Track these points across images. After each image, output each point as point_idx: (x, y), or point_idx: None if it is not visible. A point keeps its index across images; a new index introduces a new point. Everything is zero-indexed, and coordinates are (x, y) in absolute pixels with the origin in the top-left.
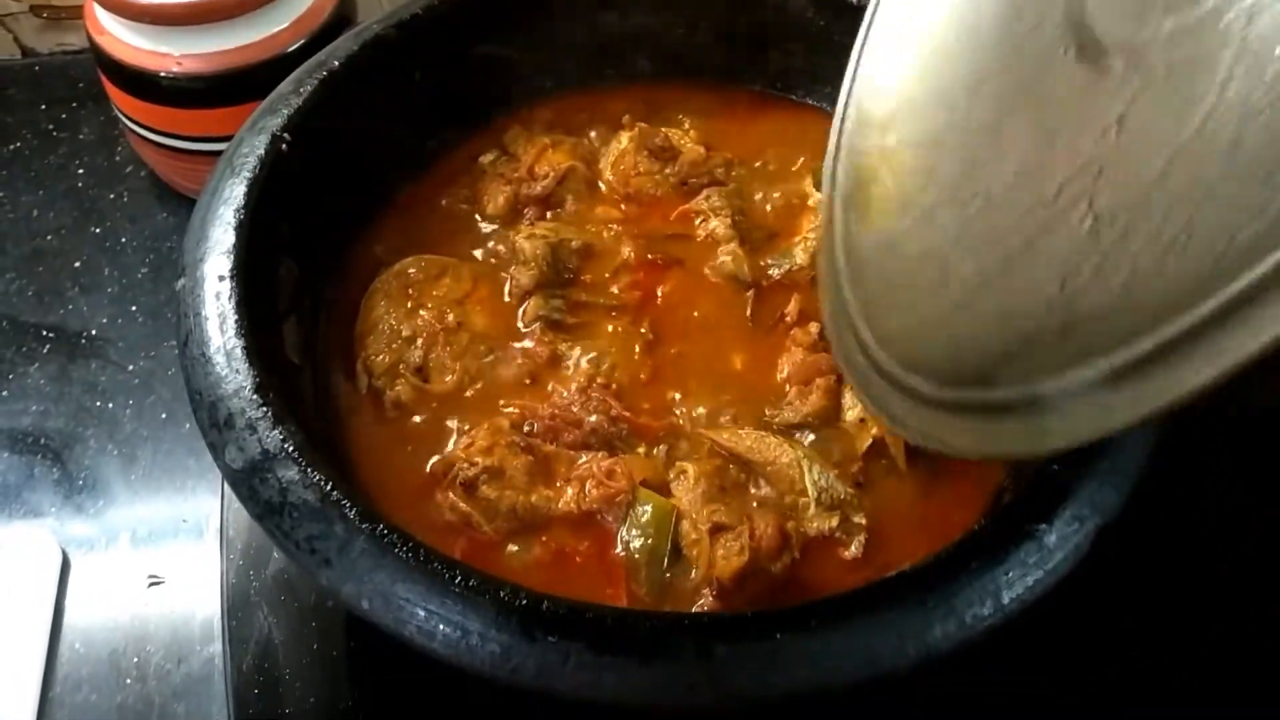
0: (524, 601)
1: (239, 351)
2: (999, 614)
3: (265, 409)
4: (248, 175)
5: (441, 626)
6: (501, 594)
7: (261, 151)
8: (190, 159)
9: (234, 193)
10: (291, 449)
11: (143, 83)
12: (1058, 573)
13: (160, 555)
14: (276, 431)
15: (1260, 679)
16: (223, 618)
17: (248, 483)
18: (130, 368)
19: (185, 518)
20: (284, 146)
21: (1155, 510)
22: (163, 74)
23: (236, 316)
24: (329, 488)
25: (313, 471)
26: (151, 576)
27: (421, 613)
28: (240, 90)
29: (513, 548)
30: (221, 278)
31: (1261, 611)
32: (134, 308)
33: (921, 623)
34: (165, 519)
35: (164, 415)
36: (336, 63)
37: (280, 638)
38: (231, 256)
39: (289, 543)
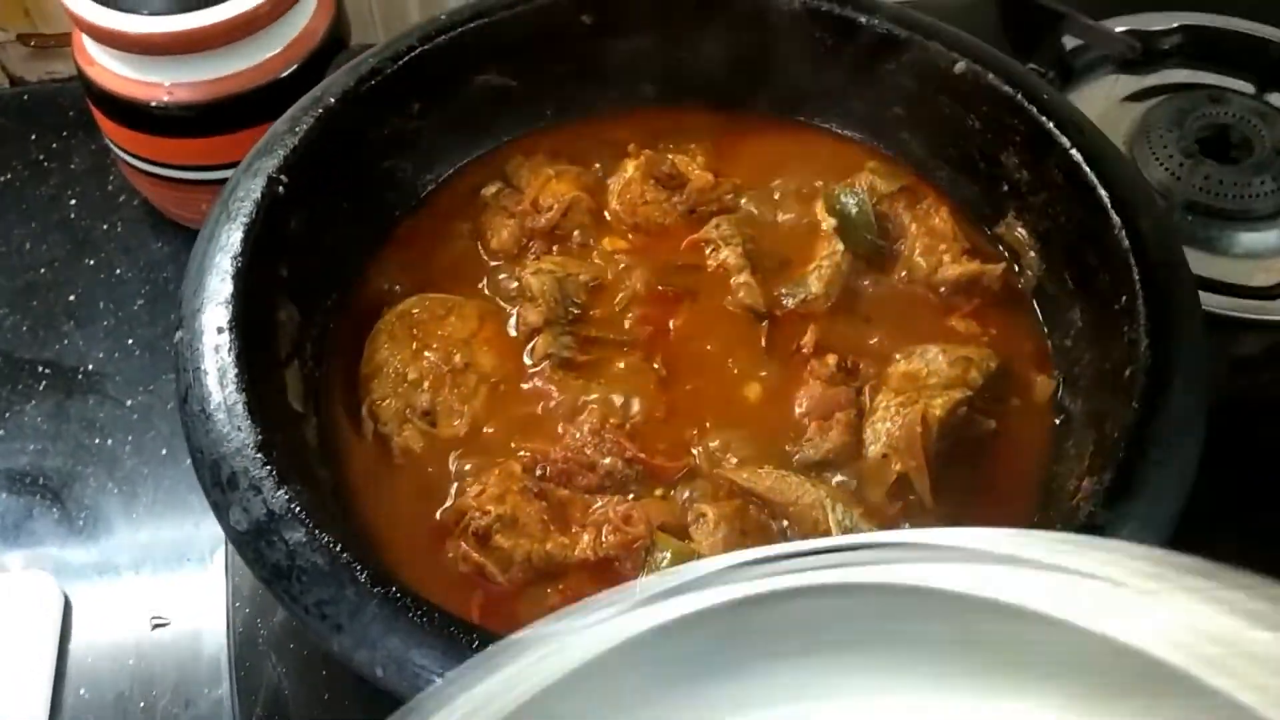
0: None
1: (240, 407)
2: None
3: (269, 468)
4: (244, 221)
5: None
6: None
7: (258, 195)
8: (184, 188)
9: (230, 239)
10: (298, 509)
11: (133, 113)
12: None
13: (164, 595)
14: (282, 492)
15: None
16: (229, 667)
17: (254, 545)
18: (129, 403)
19: (188, 556)
20: (280, 189)
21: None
22: (154, 104)
23: (236, 370)
24: (339, 549)
25: (321, 533)
26: (155, 618)
27: (439, 679)
28: (234, 118)
29: (532, 597)
30: (220, 329)
31: None
32: (130, 340)
33: None
34: (168, 557)
35: (164, 451)
36: (332, 99)
37: (290, 688)
38: (230, 307)
39: (298, 607)
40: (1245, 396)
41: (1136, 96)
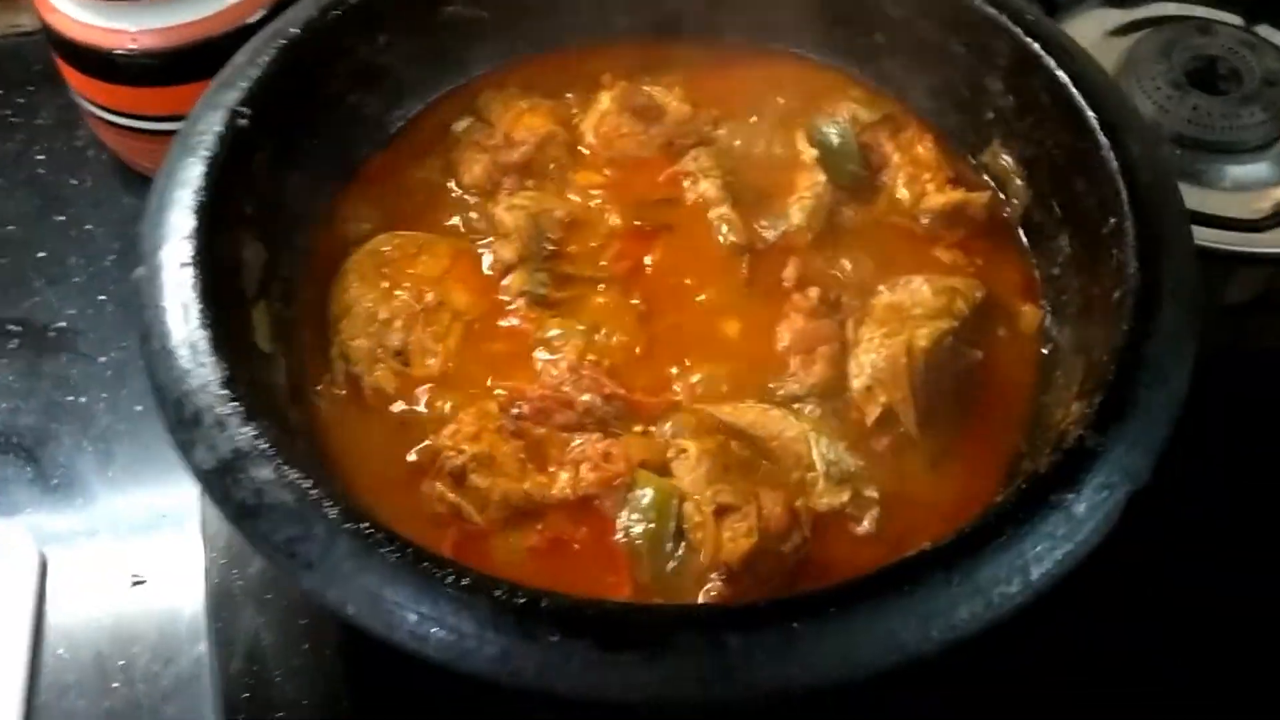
0: (521, 600)
1: (204, 343)
2: (1028, 590)
3: (235, 404)
4: (205, 154)
5: (435, 630)
6: (497, 593)
7: (219, 128)
8: (154, 140)
9: (191, 174)
10: (265, 446)
11: (98, 62)
12: (1088, 544)
13: (142, 553)
14: (248, 428)
15: None
16: (206, 619)
17: (220, 484)
18: (102, 359)
19: (165, 513)
20: (243, 122)
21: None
22: (118, 52)
23: (200, 305)
24: (308, 486)
25: (289, 470)
26: (134, 575)
27: (413, 616)
28: (202, 65)
29: (507, 536)
30: (183, 264)
31: None
32: (103, 297)
33: (946, 603)
34: (145, 515)
35: (139, 408)
36: (295, 30)
37: (269, 638)
38: (193, 241)
39: (267, 546)
40: (1237, 333)
41: (1123, 30)
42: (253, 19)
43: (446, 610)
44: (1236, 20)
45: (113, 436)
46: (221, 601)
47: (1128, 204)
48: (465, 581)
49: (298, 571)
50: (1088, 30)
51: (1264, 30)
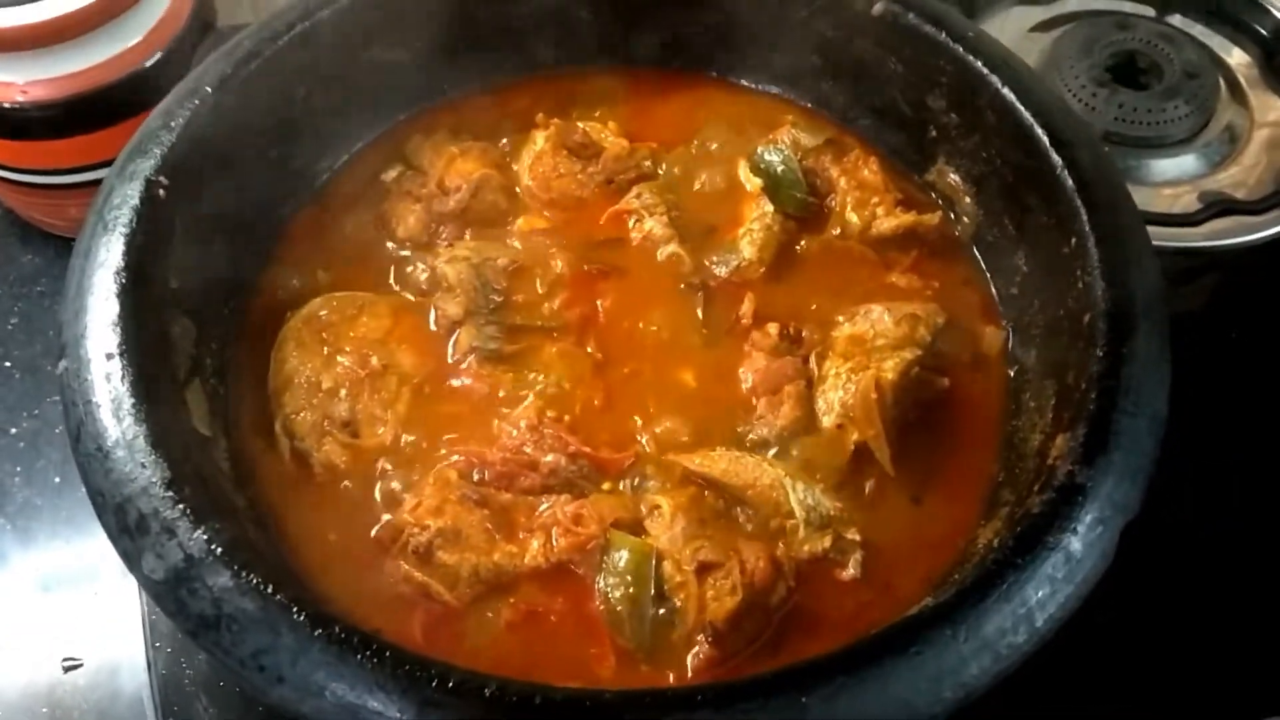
0: (514, 698)
1: (141, 441)
2: (1035, 638)
3: (182, 506)
4: (123, 230)
5: None
6: (487, 692)
7: (136, 201)
8: (50, 194)
9: (110, 253)
10: (220, 550)
11: None
12: (1089, 583)
13: (74, 633)
14: (200, 531)
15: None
16: (155, 712)
17: (174, 595)
18: (13, 430)
19: (96, 591)
20: (161, 192)
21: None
22: (7, 105)
23: (133, 399)
24: (270, 591)
25: (249, 574)
26: (67, 659)
27: None
28: (98, 115)
29: (482, 614)
30: (109, 355)
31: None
32: (8, 364)
33: (956, 662)
34: (74, 594)
35: (57, 479)
36: (209, 88)
37: None
38: (118, 329)
39: (232, 660)
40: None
41: (1043, 26)
42: (148, 63)
43: (436, 716)
44: (1149, 11)
45: (31, 512)
46: (171, 694)
47: (1088, 223)
48: (452, 683)
49: (269, 686)
50: (1008, 28)
51: (1177, 20)
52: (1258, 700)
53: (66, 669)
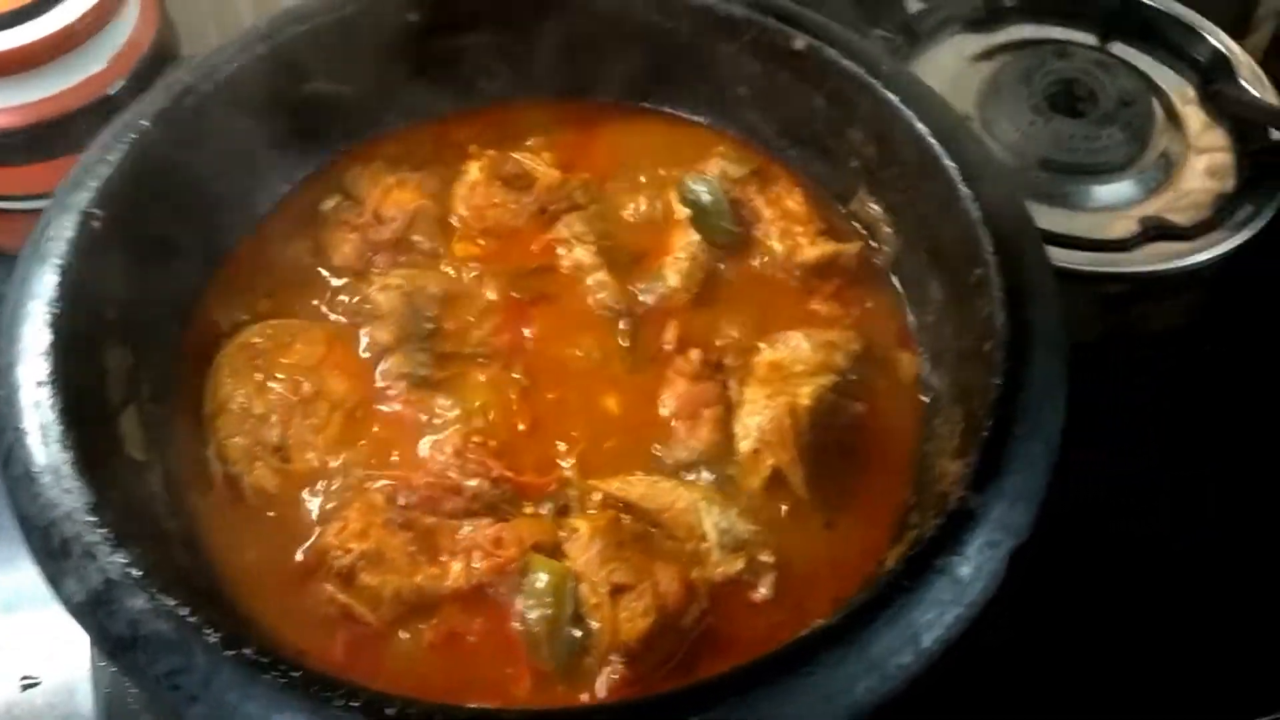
0: (415, 716)
1: (68, 467)
2: (921, 659)
3: (104, 530)
4: (57, 262)
5: None
6: (389, 712)
7: (71, 233)
8: (13, 219)
9: (43, 284)
10: (139, 574)
11: None
12: (976, 605)
13: (32, 652)
14: (119, 556)
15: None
16: None
17: (93, 617)
18: None
19: (56, 610)
20: (96, 225)
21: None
22: None
23: (61, 427)
24: (186, 613)
25: (165, 597)
26: (25, 678)
27: None
28: (60, 142)
29: (403, 635)
30: (40, 383)
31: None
32: None
33: (844, 681)
34: (34, 614)
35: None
36: (145, 122)
37: None
38: (49, 358)
39: (147, 680)
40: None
41: (984, 55)
42: (112, 90)
43: None
44: (1092, 40)
45: None
46: (115, 711)
47: (991, 252)
48: (355, 702)
49: (182, 705)
50: (949, 59)
51: (1118, 48)
52: (1238, 704)
53: (24, 688)
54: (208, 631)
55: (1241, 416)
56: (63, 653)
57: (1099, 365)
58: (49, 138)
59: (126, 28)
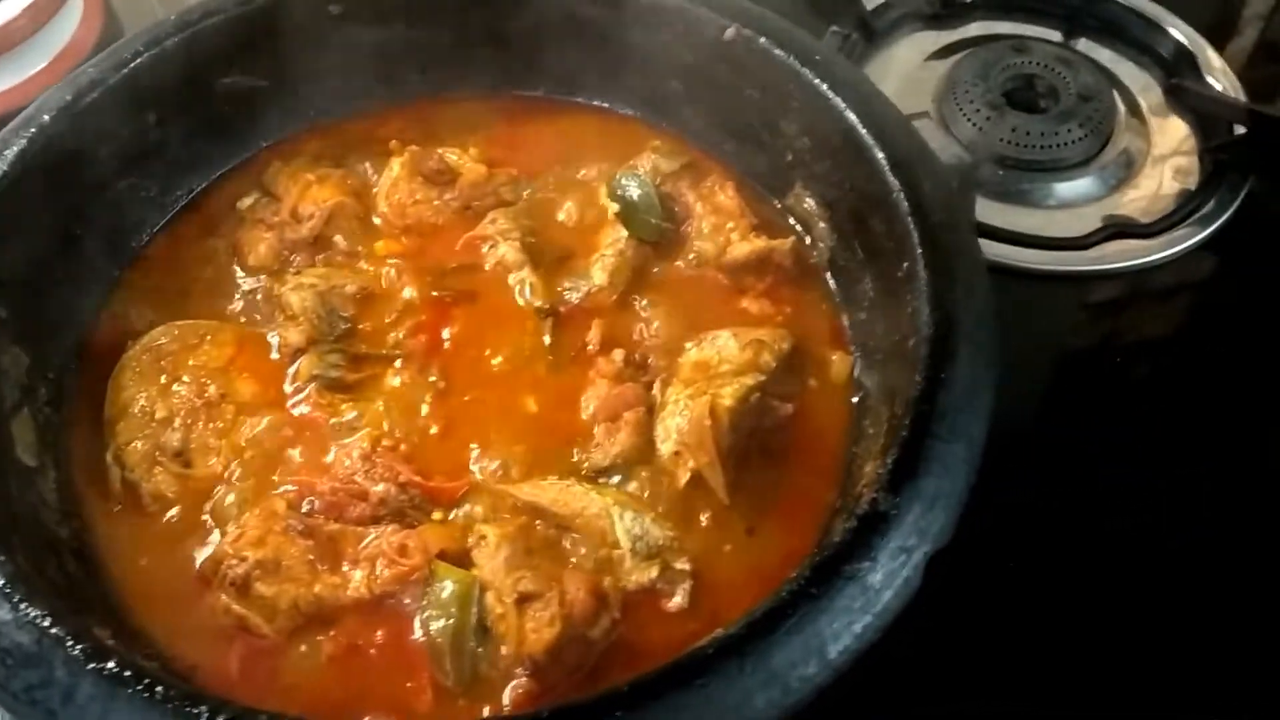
0: None
1: None
2: (827, 671)
3: None
4: None
5: None
6: None
7: None
8: None
9: None
10: (1, 583)
11: None
12: (888, 613)
13: None
14: None
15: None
16: None
17: None
18: None
19: None
20: None
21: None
22: None
23: None
24: (47, 624)
25: (27, 607)
26: None
27: None
28: None
29: (300, 648)
30: None
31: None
32: None
33: (740, 695)
34: None
35: None
36: (46, 116)
37: None
38: None
39: (5, 695)
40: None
41: (942, 53)
42: None
43: None
44: (1055, 36)
45: None
46: None
47: (919, 245)
48: (222, 717)
49: None
50: (907, 55)
51: (1082, 45)
52: (1234, 702)
53: None
54: (70, 643)
55: (1229, 420)
56: None
57: (1091, 372)
58: None
59: (69, 28)
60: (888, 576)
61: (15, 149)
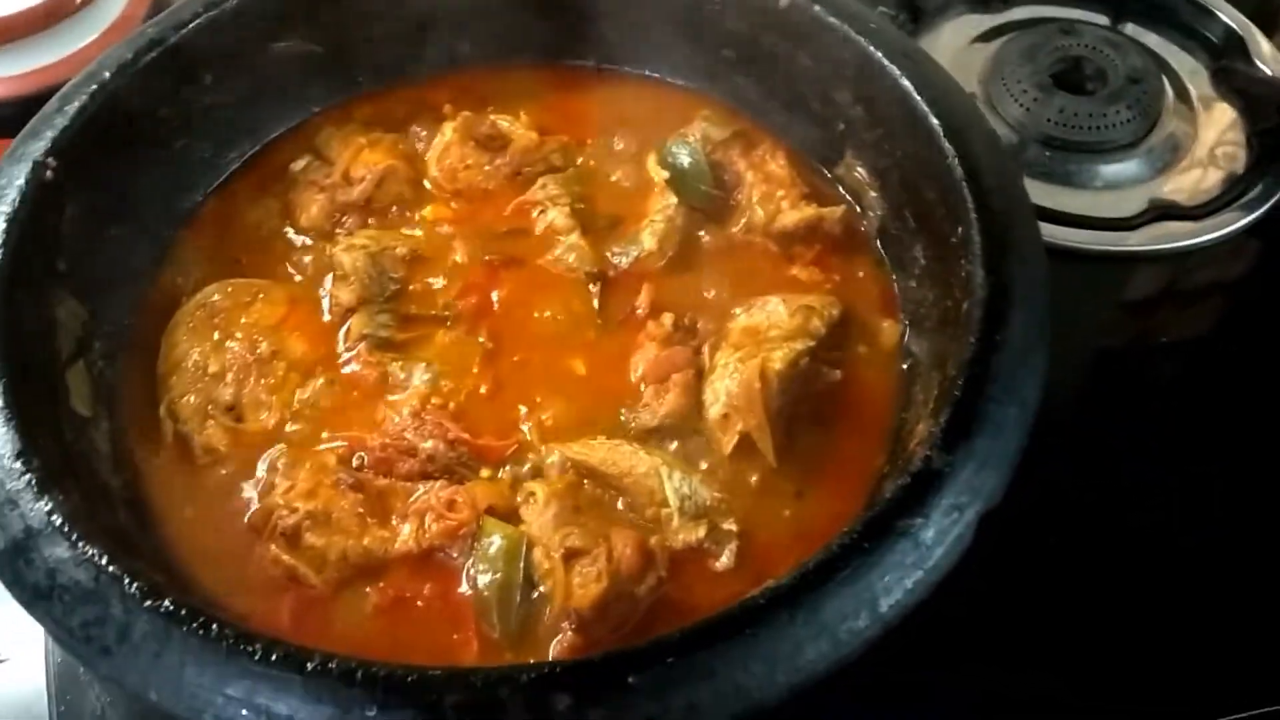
0: (336, 672)
1: None
2: (877, 624)
3: (28, 477)
4: (5, 210)
5: (243, 712)
6: (310, 665)
7: (21, 182)
8: None
9: None
10: (59, 521)
11: None
12: (939, 570)
13: (1, 631)
14: (42, 503)
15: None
16: (49, 701)
17: (11, 566)
18: None
19: None
20: (49, 174)
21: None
22: None
23: None
24: (104, 562)
25: (85, 546)
26: None
27: (218, 699)
28: None
29: (348, 598)
30: None
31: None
32: None
33: (791, 645)
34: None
35: None
36: (107, 73)
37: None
38: None
39: (62, 631)
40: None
41: (990, 35)
42: None
43: (254, 690)
44: (1102, 20)
45: None
46: (65, 682)
47: (973, 210)
48: (274, 656)
49: (95, 657)
50: (954, 37)
51: (1130, 29)
52: (1244, 698)
53: None
54: (126, 581)
55: (1255, 422)
56: (34, 632)
57: (1123, 370)
58: (35, 111)
59: (120, 1)
60: (940, 533)
61: (76, 104)
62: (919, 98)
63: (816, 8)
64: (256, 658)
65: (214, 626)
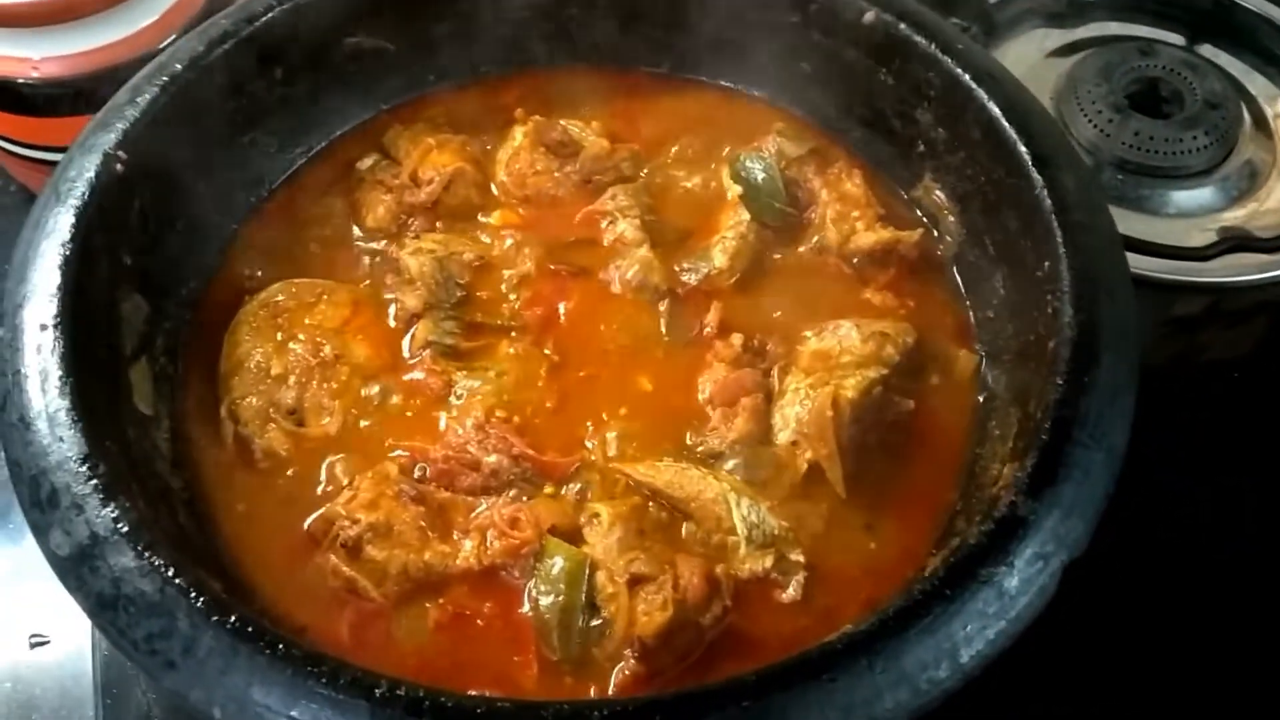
0: (404, 699)
1: (63, 415)
2: (958, 675)
3: (95, 482)
4: (75, 203)
5: None
6: (378, 692)
7: (91, 174)
8: None
9: (58, 224)
10: (126, 529)
11: (0, 91)
12: (1022, 621)
13: (42, 610)
14: (109, 509)
15: None
16: (96, 694)
17: (75, 573)
18: None
19: None
20: (119, 167)
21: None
22: (21, 80)
23: (61, 372)
24: (171, 573)
25: (151, 555)
26: (34, 635)
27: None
28: (109, 95)
29: (407, 613)
30: (44, 326)
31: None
32: None
33: (869, 693)
34: (43, 570)
35: None
36: (179, 65)
37: (160, 716)
38: (55, 300)
39: (125, 642)
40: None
41: (1063, 51)
42: (162, 45)
43: (321, 714)
44: (1179, 40)
45: (7, 490)
46: (113, 675)
47: (1062, 245)
48: (342, 680)
49: (159, 671)
50: (1027, 52)
51: (1207, 50)
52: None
53: (34, 645)
54: (193, 595)
55: None
56: (74, 612)
57: (1163, 388)
58: (96, 90)
59: None
60: (1024, 582)
61: (148, 96)
62: (1006, 123)
63: (902, 25)
64: (324, 680)
65: (281, 646)
